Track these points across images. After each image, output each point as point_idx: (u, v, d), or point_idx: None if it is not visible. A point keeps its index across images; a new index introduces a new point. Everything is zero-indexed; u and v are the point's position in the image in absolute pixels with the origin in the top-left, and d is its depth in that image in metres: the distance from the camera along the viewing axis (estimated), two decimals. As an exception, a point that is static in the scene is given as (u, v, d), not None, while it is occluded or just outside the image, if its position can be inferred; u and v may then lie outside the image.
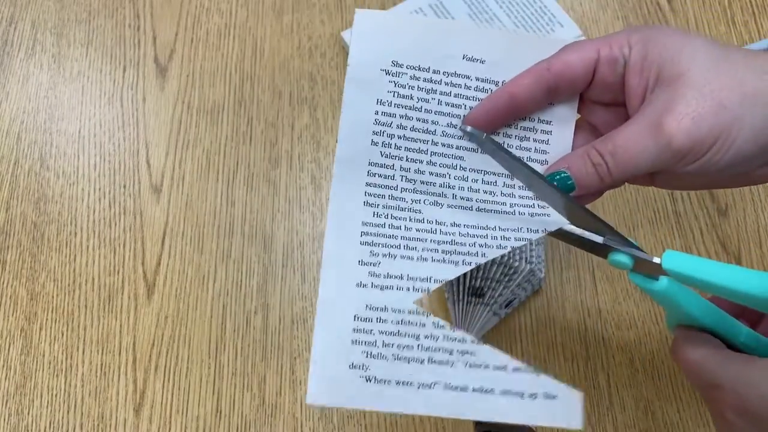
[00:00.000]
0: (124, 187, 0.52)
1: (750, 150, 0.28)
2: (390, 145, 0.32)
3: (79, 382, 0.45)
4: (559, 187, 0.31)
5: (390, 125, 0.32)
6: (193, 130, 0.54)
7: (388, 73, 0.32)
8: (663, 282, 0.30)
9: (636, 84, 0.30)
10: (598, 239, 0.31)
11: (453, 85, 0.32)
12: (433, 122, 0.32)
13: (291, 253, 0.49)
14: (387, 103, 0.32)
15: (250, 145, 0.53)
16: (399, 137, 0.32)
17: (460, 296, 0.44)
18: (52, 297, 0.48)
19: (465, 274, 0.43)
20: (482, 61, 0.32)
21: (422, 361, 0.29)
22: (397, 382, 0.28)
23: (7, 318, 0.47)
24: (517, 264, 0.43)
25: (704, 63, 0.29)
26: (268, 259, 0.49)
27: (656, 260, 0.29)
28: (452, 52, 0.32)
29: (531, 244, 0.44)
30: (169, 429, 0.44)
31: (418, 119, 0.32)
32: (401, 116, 0.32)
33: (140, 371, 0.46)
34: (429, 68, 0.32)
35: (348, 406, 0.30)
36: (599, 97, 0.33)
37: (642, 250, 0.30)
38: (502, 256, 0.42)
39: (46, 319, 0.47)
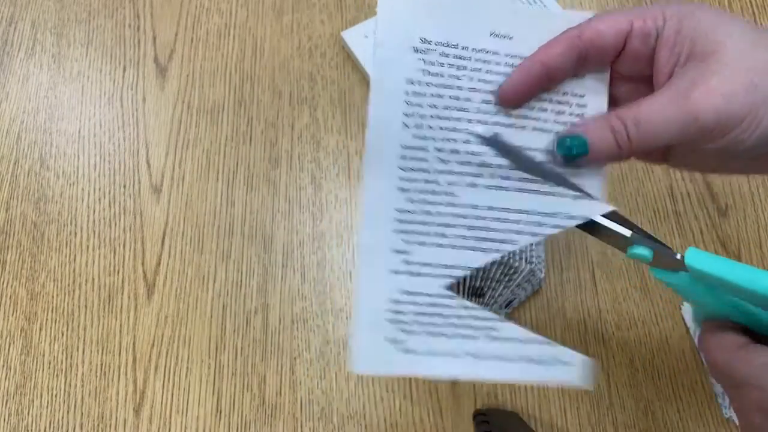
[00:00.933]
0: (124, 187, 0.52)
1: None
2: (422, 126, 0.31)
3: (79, 382, 0.45)
4: (571, 151, 0.30)
5: (421, 105, 0.31)
6: (193, 130, 0.54)
7: (417, 50, 0.31)
8: (685, 275, 0.30)
9: (666, 58, 0.30)
10: (626, 232, 0.31)
11: (483, 61, 0.31)
12: (465, 99, 0.31)
13: (291, 253, 0.49)
14: (417, 83, 0.31)
15: (250, 145, 0.53)
16: (431, 117, 0.31)
17: (460, 296, 0.44)
18: (52, 297, 0.48)
19: (465, 274, 0.43)
20: (510, 38, 0.32)
21: (450, 336, 0.31)
22: (428, 352, 0.31)
23: (7, 318, 0.47)
24: (517, 264, 0.43)
25: (739, 42, 0.28)
26: (268, 259, 0.49)
27: (678, 256, 0.29)
28: (480, 28, 0.31)
29: (531, 244, 0.44)
30: (169, 429, 0.44)
31: (450, 97, 0.31)
32: (432, 95, 0.31)
33: (140, 371, 0.46)
34: (458, 45, 0.31)
35: (386, 374, 0.33)
36: (627, 70, 0.32)
37: (665, 245, 0.30)
38: (502, 256, 0.42)
39: (46, 319, 0.47)
